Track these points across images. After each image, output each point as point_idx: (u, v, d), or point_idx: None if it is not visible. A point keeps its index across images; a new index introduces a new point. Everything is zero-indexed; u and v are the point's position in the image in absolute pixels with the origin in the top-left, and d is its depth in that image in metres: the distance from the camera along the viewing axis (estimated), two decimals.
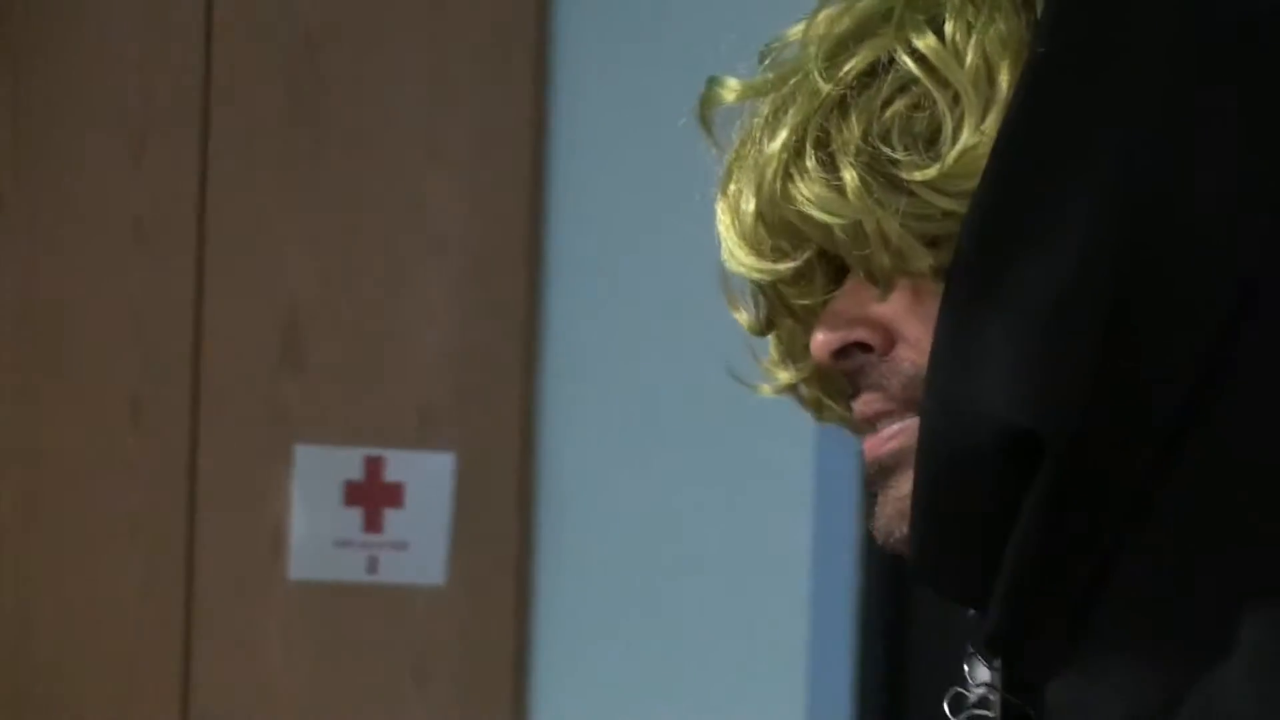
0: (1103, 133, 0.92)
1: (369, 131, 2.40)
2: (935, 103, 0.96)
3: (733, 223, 1.01)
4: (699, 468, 2.37)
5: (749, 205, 1.01)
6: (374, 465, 2.36)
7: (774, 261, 0.99)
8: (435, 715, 2.38)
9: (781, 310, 1.03)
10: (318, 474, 2.34)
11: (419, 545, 2.37)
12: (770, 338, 1.05)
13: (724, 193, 1.03)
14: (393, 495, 2.36)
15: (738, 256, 1.01)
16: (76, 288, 2.34)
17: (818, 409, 1.07)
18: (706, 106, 1.04)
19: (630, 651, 2.37)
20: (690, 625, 2.36)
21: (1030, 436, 0.88)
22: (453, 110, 2.42)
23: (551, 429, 2.47)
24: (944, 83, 0.96)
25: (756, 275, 1.02)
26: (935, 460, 0.92)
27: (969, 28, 0.97)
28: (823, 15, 1.02)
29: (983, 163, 0.94)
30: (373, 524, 2.36)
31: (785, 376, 1.06)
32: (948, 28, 0.98)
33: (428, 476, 2.37)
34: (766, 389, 1.08)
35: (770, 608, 2.31)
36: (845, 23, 1.01)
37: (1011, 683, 0.99)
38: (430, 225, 2.41)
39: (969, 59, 0.97)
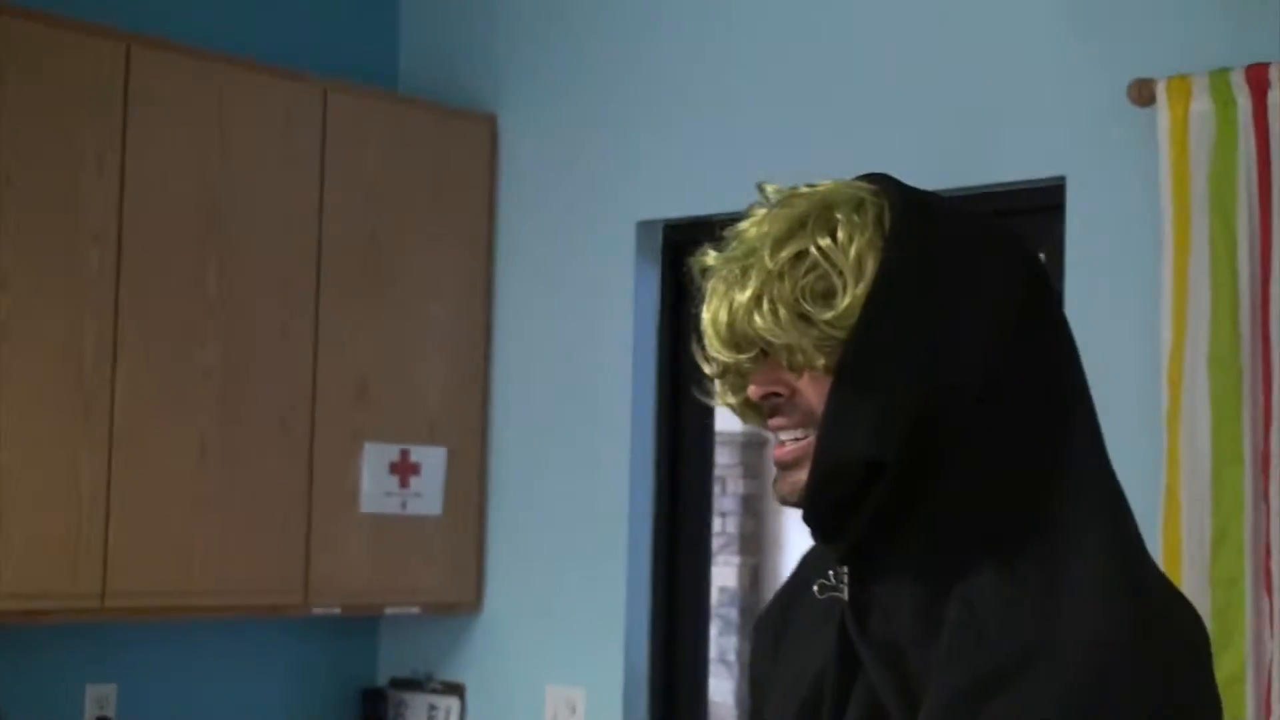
0: (915, 301, 1.56)
1: (399, 272, 4.32)
2: (831, 277, 1.57)
3: (714, 331, 1.63)
4: (569, 454, 4.30)
5: (724, 322, 1.61)
6: (404, 453, 4.26)
7: (737, 354, 1.62)
8: (440, 578, 4.37)
9: (734, 371, 1.65)
10: (377, 457, 4.23)
11: (428, 495, 4.30)
12: (720, 381, 1.68)
13: (707, 310, 1.64)
14: (415, 469, 4.27)
15: (717, 349, 1.64)
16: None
17: (745, 418, 1.70)
18: (697, 265, 1.67)
19: (541, 541, 4.33)
20: (571, 522, 4.25)
21: (878, 461, 1.55)
22: (446, 254, 4.42)
23: (498, 437, 4.46)
24: (836, 266, 1.57)
25: (728, 359, 1.63)
26: (828, 468, 1.58)
27: (850, 235, 1.58)
28: (765, 216, 1.63)
29: (857, 313, 1.56)
30: (404, 483, 4.24)
31: (730, 400, 1.69)
32: (839, 234, 1.58)
33: (433, 459, 4.33)
34: (720, 404, 1.70)
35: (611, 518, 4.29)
36: (781, 224, 1.60)
37: (854, 582, 1.63)
38: (433, 325, 4.35)
39: (851, 253, 1.58)
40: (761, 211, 1.65)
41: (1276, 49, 3.14)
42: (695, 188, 4.09)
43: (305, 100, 4.13)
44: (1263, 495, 3.04)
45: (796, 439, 1.62)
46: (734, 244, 1.65)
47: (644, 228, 4.22)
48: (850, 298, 1.57)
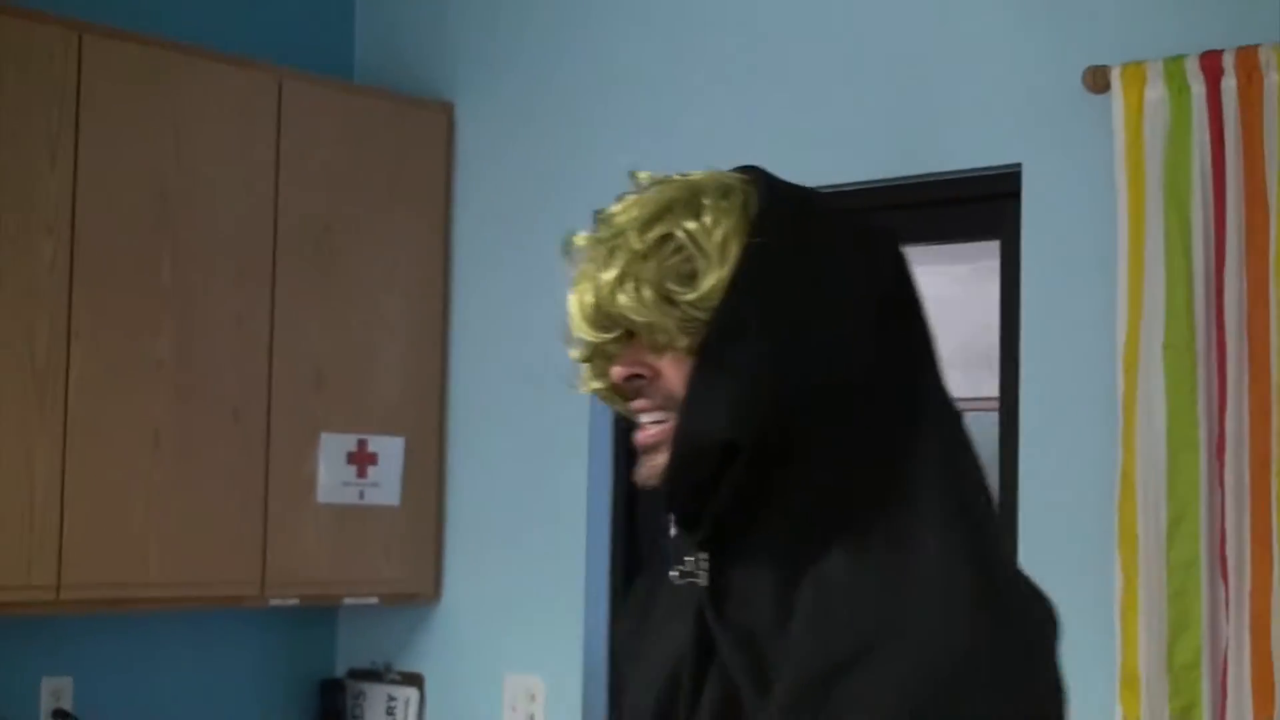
0: (778, 287, 1.58)
1: (355, 261, 4.31)
2: (695, 259, 1.60)
3: (579, 311, 1.65)
4: (527, 443, 4.28)
5: (589, 303, 1.64)
6: (362, 443, 4.24)
7: (601, 334, 1.65)
8: (398, 568, 4.36)
9: (599, 353, 1.67)
10: (334, 447, 4.19)
11: (386, 485, 4.28)
12: (586, 365, 1.69)
13: (574, 292, 1.65)
14: (372, 459, 4.25)
15: (582, 329, 1.66)
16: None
17: (610, 403, 1.70)
18: (566, 246, 1.68)
19: (499, 531, 4.32)
20: (530, 511, 4.24)
21: (733, 443, 1.57)
22: (402, 243, 4.40)
23: (456, 426, 4.44)
24: (701, 249, 1.60)
25: (592, 339, 1.66)
26: (686, 450, 1.59)
27: (716, 220, 1.61)
28: (634, 200, 1.65)
29: (720, 294, 1.59)
30: (362, 473, 4.22)
31: (595, 385, 1.70)
32: (705, 218, 1.61)
33: (390, 449, 4.31)
34: (585, 390, 1.71)
35: (566, 511, 4.22)
36: (650, 208, 1.63)
37: (712, 568, 1.64)
38: (390, 314, 4.34)
39: (715, 236, 1.61)
40: (631, 197, 1.68)
41: (1230, 36, 3.14)
42: (651, 170, 4.06)
43: (260, 89, 4.11)
44: (1218, 480, 3.06)
45: (658, 421, 1.64)
46: (603, 227, 1.67)
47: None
48: (713, 280, 1.60)
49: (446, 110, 4.49)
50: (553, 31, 4.35)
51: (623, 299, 1.61)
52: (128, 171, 3.86)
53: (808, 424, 1.58)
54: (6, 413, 3.63)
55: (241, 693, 4.47)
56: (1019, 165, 3.45)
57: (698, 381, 1.59)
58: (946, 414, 1.65)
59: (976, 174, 3.55)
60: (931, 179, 3.61)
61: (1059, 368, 3.37)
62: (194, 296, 3.95)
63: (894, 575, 1.54)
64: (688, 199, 1.64)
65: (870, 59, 3.71)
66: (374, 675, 4.56)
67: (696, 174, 1.69)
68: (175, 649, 4.31)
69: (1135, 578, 3.11)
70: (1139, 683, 3.10)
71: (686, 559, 1.66)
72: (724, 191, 1.65)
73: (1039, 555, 3.34)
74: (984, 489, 1.64)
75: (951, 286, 9.79)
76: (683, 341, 1.60)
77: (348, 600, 4.38)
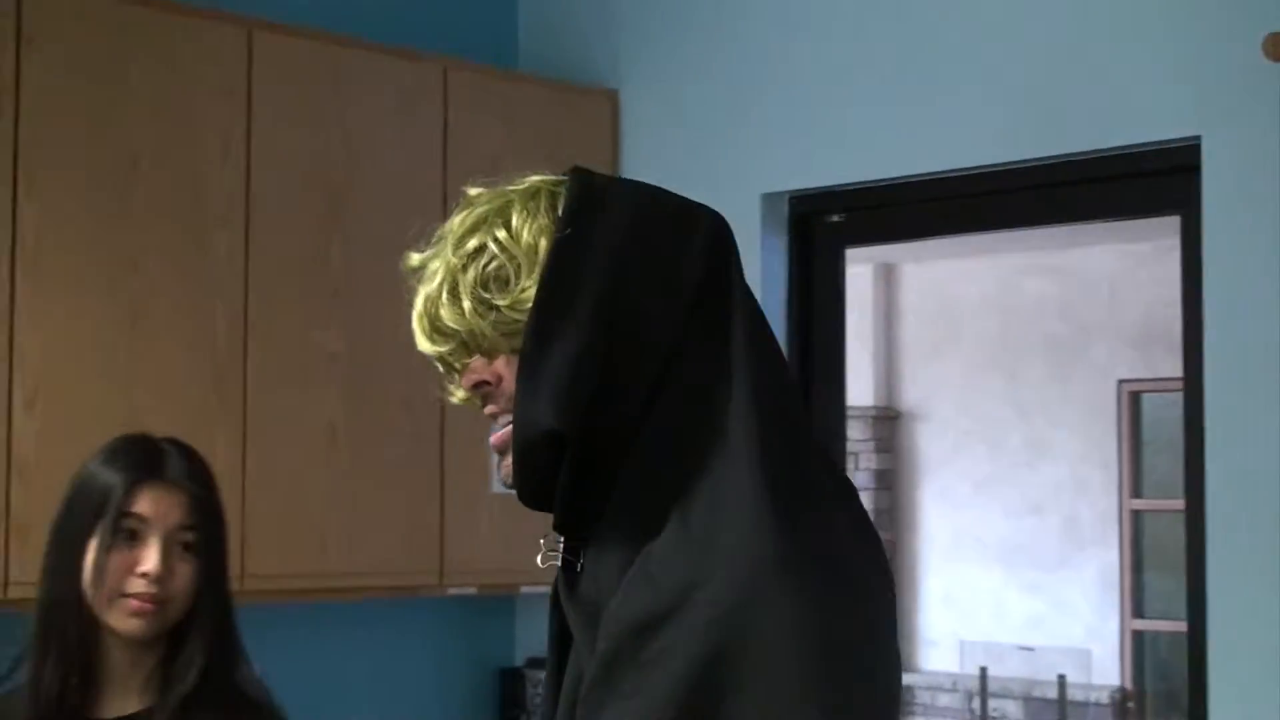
0: (583, 280, 1.66)
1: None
2: (506, 265, 1.70)
3: (416, 325, 1.76)
4: None
5: (420, 316, 1.74)
6: None
7: (437, 346, 1.74)
8: None
9: (446, 364, 1.76)
10: None
11: None
12: (444, 377, 1.78)
13: (412, 307, 1.77)
14: None
15: (420, 342, 1.76)
16: None
17: (476, 411, 1.79)
18: (404, 266, 1.79)
19: None
20: None
21: (559, 433, 1.65)
22: None
23: None
24: (511, 255, 1.71)
25: (429, 351, 1.76)
26: (520, 445, 1.67)
27: (524, 224, 1.71)
28: (457, 216, 1.75)
29: (533, 295, 1.67)
30: None
31: (459, 395, 1.78)
32: (514, 224, 1.71)
33: None
34: (455, 400, 1.79)
35: None
36: (467, 221, 1.74)
37: (566, 549, 1.74)
38: None
39: (524, 240, 1.71)
40: (456, 212, 1.78)
41: None
42: (820, 159, 4.07)
43: (425, 79, 4.13)
44: None
45: (506, 424, 1.72)
46: (432, 245, 1.78)
47: (769, 200, 4.18)
48: (525, 281, 1.69)
49: (611, 97, 4.49)
50: (717, 17, 4.33)
51: (444, 310, 1.72)
52: (298, 165, 3.90)
53: (630, 409, 1.66)
54: (188, 406, 3.68)
55: (421, 682, 4.50)
56: (1198, 138, 3.39)
57: (521, 379, 1.67)
58: (765, 379, 1.69)
59: (1155, 148, 3.50)
60: (1109, 154, 3.56)
61: (1244, 345, 3.31)
62: (364, 288, 3.97)
63: (708, 535, 1.60)
64: (500, 207, 1.73)
65: (1042, 33, 3.66)
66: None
67: (523, 180, 1.77)
68: (355, 638, 4.35)
69: None
70: None
71: (543, 539, 1.78)
72: (531, 195, 1.74)
73: (1229, 541, 3.30)
74: (799, 441, 1.70)
75: (1130, 264, 9.64)
76: (507, 344, 1.70)
77: (525, 589, 4.37)
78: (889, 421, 10.75)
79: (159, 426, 3.54)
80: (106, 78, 3.61)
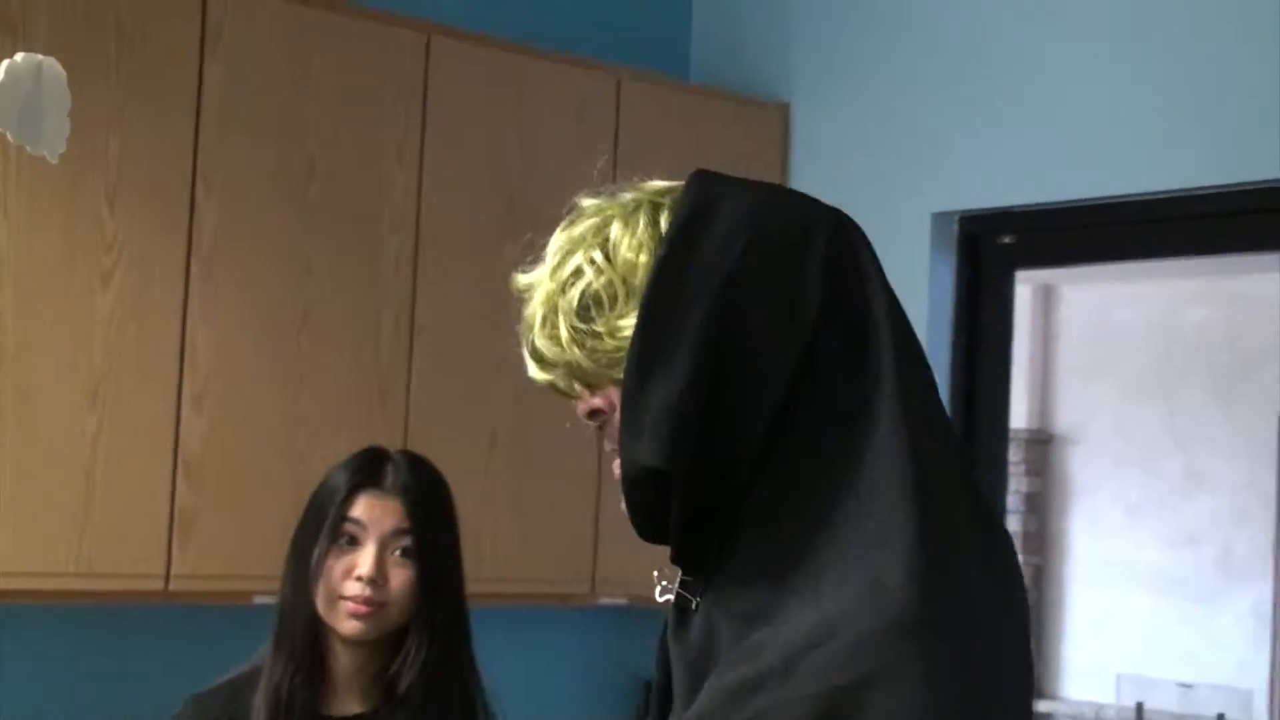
0: (693, 303, 1.49)
1: None
2: (603, 291, 1.56)
3: (525, 353, 1.65)
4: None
5: (527, 346, 1.63)
6: None
7: (544, 374, 1.62)
8: None
9: (560, 392, 1.64)
10: None
11: None
12: (556, 396, 1.65)
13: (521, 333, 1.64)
14: None
15: (529, 369, 1.65)
16: None
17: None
18: (513, 287, 1.67)
19: None
20: None
21: (662, 472, 1.50)
22: None
23: None
24: (609, 279, 1.56)
25: (538, 379, 1.64)
26: (627, 483, 1.54)
27: (621, 242, 1.56)
28: (558, 233, 1.63)
29: (631, 322, 1.52)
30: None
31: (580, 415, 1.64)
32: (611, 244, 1.56)
33: None
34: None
35: None
36: (566, 241, 1.61)
37: (682, 586, 1.59)
38: None
39: (621, 261, 1.56)
40: (559, 229, 1.64)
41: None
42: (992, 179, 4.03)
43: (599, 89, 4.14)
44: None
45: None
46: (538, 265, 1.65)
47: (939, 219, 4.15)
48: (622, 307, 1.55)
49: (783, 110, 4.47)
50: (891, 30, 4.31)
51: (540, 340, 1.60)
52: (472, 171, 3.92)
53: (757, 447, 1.49)
54: (351, 407, 3.71)
55: (569, 690, 4.51)
56: None
57: (624, 415, 1.52)
58: (914, 426, 1.49)
59: None
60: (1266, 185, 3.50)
61: None
62: None
63: (833, 594, 1.42)
64: (599, 224, 1.59)
65: (1220, 57, 3.61)
66: None
67: (635, 190, 1.62)
68: (505, 644, 4.35)
69: None
70: None
71: (658, 572, 1.63)
72: (633, 210, 1.59)
73: None
74: (942, 473, 1.50)
75: None
76: (609, 377, 1.56)
77: None
78: (1041, 445, 10.63)
79: (324, 428, 3.63)
80: (286, 80, 3.65)
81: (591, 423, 1.62)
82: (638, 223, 1.57)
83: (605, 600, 4.18)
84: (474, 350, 3.90)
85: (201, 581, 3.51)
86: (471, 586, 3.87)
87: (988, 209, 4.09)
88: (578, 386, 1.60)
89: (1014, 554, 1.57)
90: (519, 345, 1.64)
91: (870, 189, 4.25)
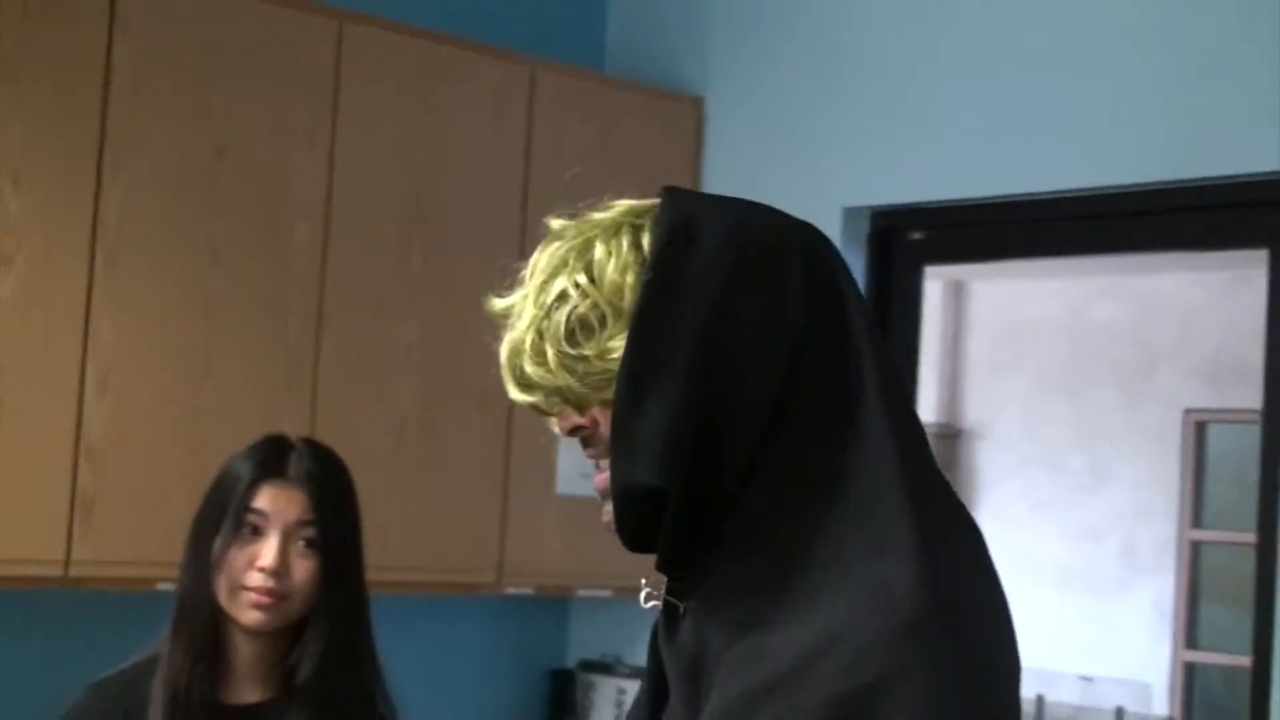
0: (681, 325, 1.52)
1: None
2: (590, 313, 1.57)
3: (505, 373, 1.63)
4: None
5: (506, 366, 1.62)
6: None
7: (527, 396, 1.61)
8: (633, 562, 4.35)
9: (541, 411, 1.64)
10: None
11: None
12: (536, 415, 1.65)
13: (501, 355, 1.63)
14: None
15: (510, 392, 1.63)
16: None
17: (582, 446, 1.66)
18: (488, 310, 1.65)
19: None
20: None
21: (659, 489, 1.53)
22: None
23: None
24: (594, 302, 1.57)
25: (519, 400, 1.63)
26: (620, 499, 1.56)
27: (606, 264, 1.57)
28: (538, 255, 1.62)
29: (620, 344, 1.54)
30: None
31: (558, 431, 1.65)
32: (595, 266, 1.57)
33: None
34: (557, 433, 1.66)
35: None
36: (548, 265, 1.60)
37: (670, 591, 1.63)
38: None
39: (607, 284, 1.57)
40: (539, 251, 1.63)
41: None
42: (903, 175, 4.05)
43: (513, 79, 4.13)
44: None
45: (607, 468, 1.59)
46: (516, 288, 1.64)
47: (850, 214, 4.16)
48: (610, 330, 1.56)
49: (696, 104, 4.48)
50: (807, 25, 4.31)
51: (528, 365, 1.59)
52: (383, 159, 3.91)
53: (744, 460, 1.53)
54: (258, 394, 3.69)
55: (473, 680, 4.50)
56: None
57: (615, 437, 1.54)
58: (898, 432, 1.54)
59: (1245, 180, 3.45)
60: (1197, 184, 3.52)
61: None
62: (444, 284, 3.98)
63: (834, 599, 1.46)
64: (581, 247, 1.59)
65: (1134, 62, 3.63)
66: (605, 668, 4.56)
67: (608, 210, 1.63)
68: (410, 632, 4.33)
69: None
70: None
71: (647, 579, 1.66)
72: (614, 231, 1.60)
73: None
74: (931, 490, 1.55)
75: (1203, 294, 9.56)
76: (596, 397, 1.58)
77: (581, 592, 4.38)
78: (949, 439, 10.70)
79: (229, 415, 3.61)
80: (196, 65, 3.62)
81: (573, 436, 1.63)
82: (621, 244, 1.58)
83: (511, 590, 4.17)
84: (382, 339, 3.89)
85: (102, 568, 3.48)
86: (377, 575, 3.84)
87: (899, 204, 4.11)
88: (561, 407, 1.61)
89: (987, 547, 1.60)
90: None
91: (782, 183, 4.24)
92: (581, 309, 1.57)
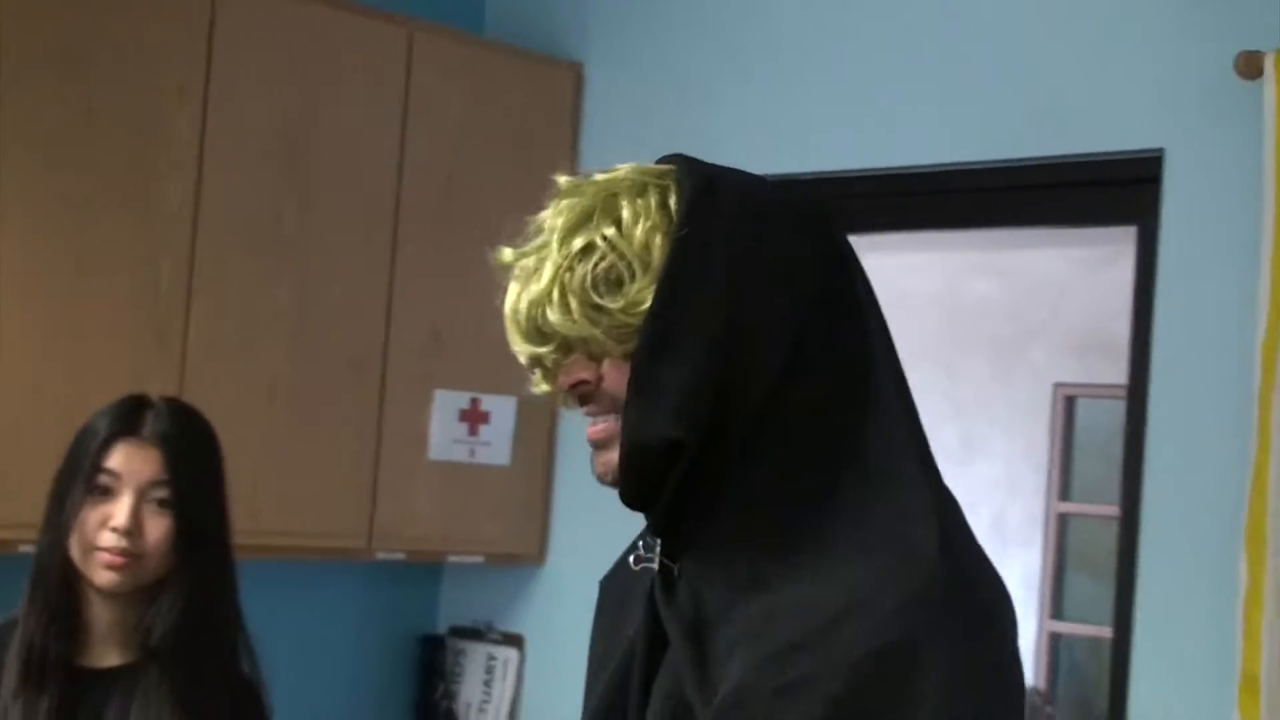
0: (710, 284, 1.57)
1: (477, 218, 4.28)
2: (618, 265, 1.60)
3: (514, 326, 1.66)
4: None
5: (521, 317, 1.64)
6: (475, 401, 4.23)
7: (535, 347, 1.65)
8: (504, 528, 4.37)
9: (539, 363, 1.66)
10: (447, 404, 4.20)
11: (497, 444, 4.28)
12: (532, 371, 1.69)
13: (507, 306, 1.66)
14: (485, 418, 4.24)
15: (514, 342, 1.67)
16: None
17: (561, 404, 1.70)
18: (497, 260, 1.68)
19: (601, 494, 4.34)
20: None
21: (678, 441, 1.57)
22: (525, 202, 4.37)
23: None
24: (622, 254, 1.60)
25: (524, 352, 1.67)
26: (633, 451, 1.58)
27: (635, 222, 1.60)
28: (556, 209, 1.65)
29: (647, 298, 1.58)
30: (474, 431, 4.21)
31: (544, 388, 1.69)
32: (624, 222, 1.60)
33: (503, 409, 4.30)
34: (537, 391, 1.70)
35: None
36: (570, 216, 1.63)
37: (665, 555, 1.65)
38: None
39: (635, 239, 1.60)
40: (554, 204, 1.67)
41: None
42: (781, 146, 4.05)
43: (391, 41, 4.10)
44: None
45: (604, 422, 1.65)
46: (530, 238, 1.68)
47: None
48: (639, 284, 1.60)
49: (575, 70, 4.46)
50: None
51: (552, 314, 1.62)
52: (257, 117, 3.86)
53: (751, 417, 1.58)
54: (126, 353, 3.64)
55: (343, 645, 4.48)
56: (1161, 150, 3.36)
57: (636, 385, 1.58)
58: (895, 391, 1.63)
59: (1117, 157, 3.47)
60: (1069, 160, 3.54)
61: (1192, 359, 3.31)
62: (317, 247, 3.95)
63: (851, 560, 1.52)
64: (605, 202, 1.63)
65: (1012, 33, 3.65)
66: (475, 634, 4.57)
67: (617, 172, 1.67)
68: (280, 598, 4.30)
69: (1262, 577, 3.02)
70: (1259, 686, 3.01)
71: (644, 545, 1.69)
72: (639, 190, 1.63)
73: (1162, 549, 3.31)
74: (931, 461, 1.63)
75: (1075, 270, 9.68)
76: (618, 349, 1.61)
77: (453, 558, 4.37)
78: None
79: (98, 374, 3.56)
80: (66, 19, 3.55)
81: (572, 391, 1.65)
82: (649, 202, 1.62)
83: (382, 555, 4.15)
84: (254, 300, 3.85)
85: None
86: (247, 539, 3.80)
87: (775, 175, 4.10)
88: (572, 358, 1.64)
89: None
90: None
91: (661, 152, 4.22)
92: (609, 261, 1.61)
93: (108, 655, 2.52)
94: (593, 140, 4.42)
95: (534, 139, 4.37)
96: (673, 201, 1.62)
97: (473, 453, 4.25)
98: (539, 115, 4.38)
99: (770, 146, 4.06)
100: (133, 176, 3.66)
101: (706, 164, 1.67)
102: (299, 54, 3.92)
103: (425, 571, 4.61)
